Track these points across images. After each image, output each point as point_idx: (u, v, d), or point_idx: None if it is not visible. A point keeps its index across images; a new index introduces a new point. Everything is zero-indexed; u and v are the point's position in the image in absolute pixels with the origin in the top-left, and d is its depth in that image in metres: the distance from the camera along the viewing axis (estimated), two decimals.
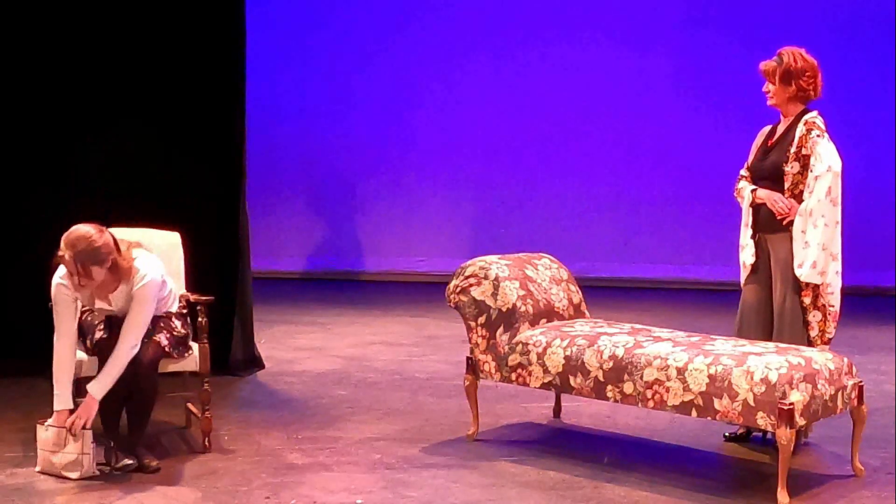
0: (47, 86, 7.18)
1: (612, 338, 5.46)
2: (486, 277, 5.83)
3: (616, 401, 5.37)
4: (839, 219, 5.59)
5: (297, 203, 11.50)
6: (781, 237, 5.67)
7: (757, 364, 4.96)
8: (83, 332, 5.47)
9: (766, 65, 5.80)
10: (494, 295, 5.79)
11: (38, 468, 5.30)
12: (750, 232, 5.81)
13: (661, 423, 6.12)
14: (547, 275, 6.08)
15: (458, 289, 5.88)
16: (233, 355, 7.26)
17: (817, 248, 5.54)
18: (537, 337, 5.65)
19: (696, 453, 5.72)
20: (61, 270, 5.31)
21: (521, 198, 10.86)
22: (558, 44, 10.90)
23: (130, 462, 5.32)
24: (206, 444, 5.64)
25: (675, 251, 10.89)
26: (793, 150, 5.65)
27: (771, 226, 5.70)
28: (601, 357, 5.36)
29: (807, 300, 5.61)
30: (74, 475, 5.20)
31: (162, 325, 5.48)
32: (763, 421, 4.88)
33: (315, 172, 11.45)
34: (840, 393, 5.11)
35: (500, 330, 5.76)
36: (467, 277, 5.87)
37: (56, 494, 5.04)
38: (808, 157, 5.61)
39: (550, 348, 5.55)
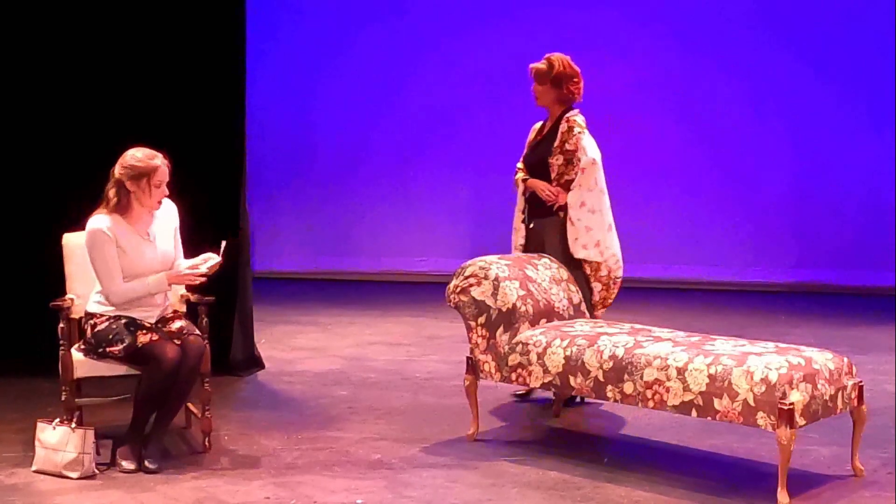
0: (46, 86, 7.19)
1: (612, 338, 5.46)
2: (486, 277, 5.83)
3: (616, 401, 5.37)
4: (603, 204, 6.35)
5: (296, 203, 11.49)
6: (550, 221, 6.40)
7: (757, 364, 4.96)
8: (102, 342, 5.43)
9: (537, 68, 6.44)
10: (494, 295, 5.79)
11: (34, 467, 5.30)
12: (524, 217, 6.51)
13: (661, 423, 6.12)
14: (547, 275, 6.08)
15: (458, 289, 5.88)
16: (233, 355, 7.26)
17: (587, 231, 6.31)
18: (537, 337, 5.65)
19: (696, 453, 5.72)
20: (96, 220, 5.39)
21: None
22: (556, 46, 10.88)
23: (131, 466, 5.32)
24: (206, 444, 5.64)
25: (676, 251, 10.88)
26: (556, 144, 6.37)
27: (540, 211, 6.43)
28: (601, 357, 5.36)
29: (587, 271, 6.36)
30: (75, 475, 5.20)
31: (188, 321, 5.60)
32: (763, 421, 4.88)
33: (315, 172, 11.43)
34: (840, 393, 5.11)
35: (500, 330, 5.76)
36: (467, 277, 5.87)
37: (56, 494, 5.05)
38: (571, 151, 6.34)
39: (550, 348, 5.55)
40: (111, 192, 5.45)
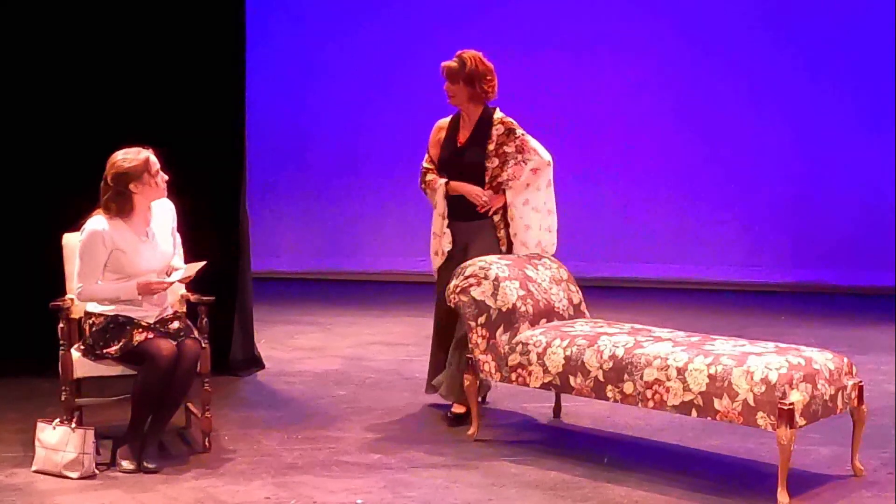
0: (46, 87, 7.18)
1: (612, 338, 5.47)
2: (486, 277, 5.83)
3: (616, 401, 5.37)
4: (553, 203, 6.35)
5: (296, 203, 11.48)
6: (478, 225, 6.24)
7: (757, 364, 4.96)
8: (99, 342, 5.44)
9: (449, 66, 6.24)
10: (494, 295, 5.79)
11: (34, 467, 5.31)
12: (446, 221, 6.30)
13: (661, 423, 6.12)
14: (547, 275, 6.08)
15: (458, 289, 5.88)
16: (233, 355, 7.26)
17: (546, 232, 6.29)
18: (537, 337, 5.65)
19: (696, 453, 5.72)
20: (96, 221, 5.38)
21: None
22: (552, 47, 10.88)
23: (131, 466, 5.32)
24: (206, 444, 5.64)
25: (676, 251, 10.87)
26: (492, 147, 6.20)
27: (469, 215, 6.23)
28: (601, 357, 5.36)
29: None
30: (75, 475, 5.20)
31: (187, 323, 5.59)
32: (763, 421, 4.88)
33: (315, 172, 11.42)
34: (840, 393, 5.11)
35: (500, 330, 5.76)
36: (467, 277, 5.87)
37: (56, 494, 5.05)
38: (509, 153, 6.19)
39: (550, 348, 5.55)
40: (111, 203, 5.42)
